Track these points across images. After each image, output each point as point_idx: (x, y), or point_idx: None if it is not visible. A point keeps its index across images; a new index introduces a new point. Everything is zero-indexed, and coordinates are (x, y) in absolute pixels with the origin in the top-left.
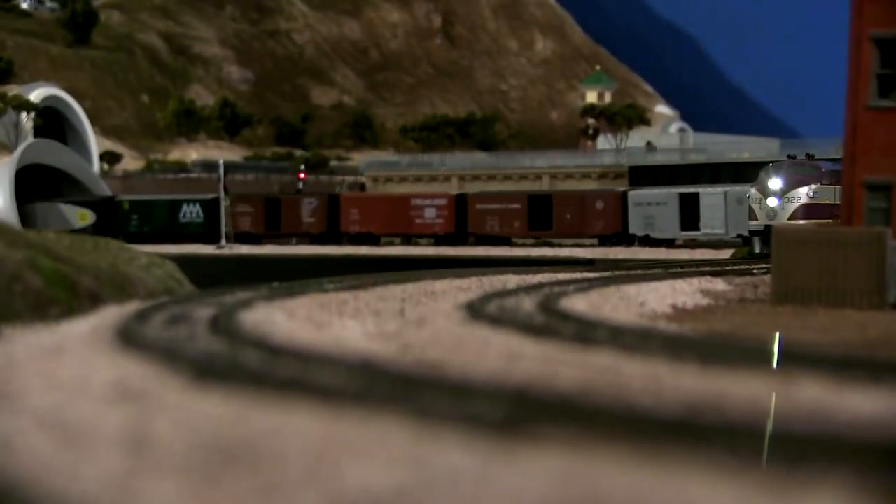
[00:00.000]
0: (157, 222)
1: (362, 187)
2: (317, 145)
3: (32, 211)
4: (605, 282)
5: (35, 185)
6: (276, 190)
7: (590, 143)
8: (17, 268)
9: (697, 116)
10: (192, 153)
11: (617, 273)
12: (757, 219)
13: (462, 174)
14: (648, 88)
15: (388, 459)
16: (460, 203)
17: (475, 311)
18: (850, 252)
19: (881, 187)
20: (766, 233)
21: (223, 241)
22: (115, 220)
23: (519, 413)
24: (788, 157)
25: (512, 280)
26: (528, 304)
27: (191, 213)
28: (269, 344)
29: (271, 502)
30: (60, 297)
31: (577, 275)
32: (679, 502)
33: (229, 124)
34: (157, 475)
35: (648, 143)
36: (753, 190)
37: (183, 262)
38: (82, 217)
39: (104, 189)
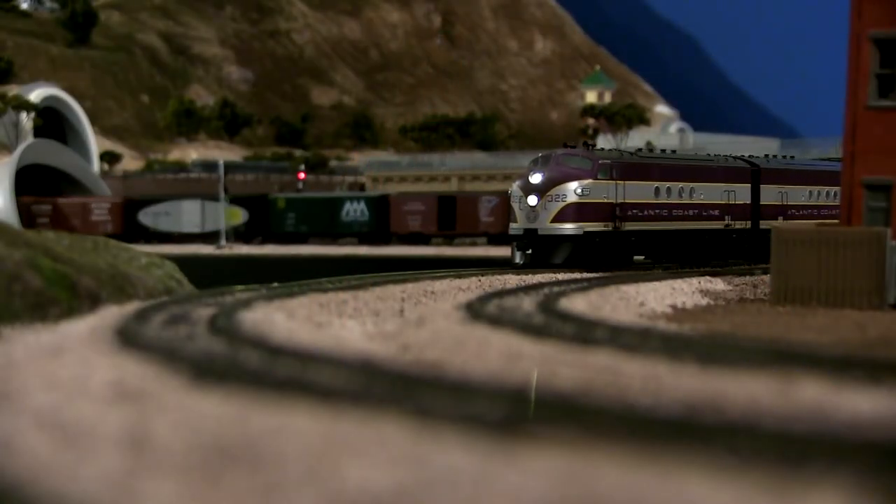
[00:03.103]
0: (317, 221)
1: (362, 187)
2: (317, 145)
3: (178, 209)
4: (605, 282)
5: (35, 185)
6: (276, 190)
7: (590, 143)
8: (17, 268)
9: (697, 116)
10: (191, 153)
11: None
12: (517, 221)
13: (462, 174)
14: (648, 88)
15: (388, 459)
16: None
17: (475, 311)
18: (850, 252)
19: (881, 187)
20: (527, 239)
21: (223, 241)
22: (268, 218)
23: (518, 413)
24: (565, 145)
25: (512, 280)
26: (528, 303)
27: (355, 211)
28: (269, 344)
29: (271, 502)
30: (60, 297)
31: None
32: (678, 502)
33: (229, 124)
34: (157, 475)
35: (648, 144)
36: (515, 186)
37: (182, 262)
38: (233, 216)
39: (104, 189)
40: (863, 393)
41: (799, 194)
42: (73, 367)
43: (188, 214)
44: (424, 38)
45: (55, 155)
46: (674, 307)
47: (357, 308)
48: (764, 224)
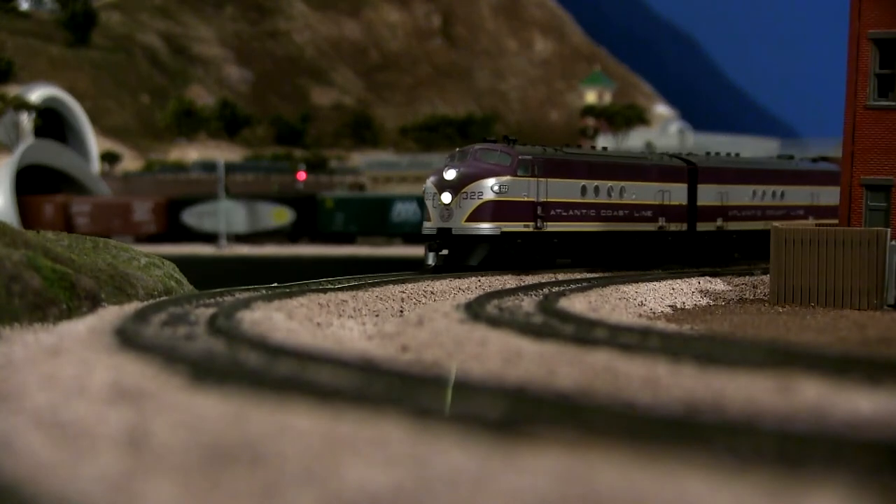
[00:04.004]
0: (367, 221)
1: (361, 188)
2: (316, 145)
3: (224, 208)
4: (604, 282)
5: (35, 185)
6: (276, 190)
7: (590, 143)
8: (16, 268)
9: (697, 116)
10: (191, 153)
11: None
12: (430, 220)
13: None
14: (648, 88)
15: (387, 459)
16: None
17: (474, 311)
18: (850, 252)
19: (880, 187)
20: (441, 239)
21: (223, 241)
22: (316, 218)
23: (517, 412)
24: (484, 139)
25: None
26: (527, 303)
27: (406, 211)
28: (268, 344)
29: (270, 502)
30: (59, 297)
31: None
32: (678, 502)
33: (229, 124)
34: (156, 475)
35: (648, 144)
36: (429, 182)
37: (182, 262)
38: (279, 216)
39: (104, 189)
40: (862, 393)
41: (742, 194)
42: (72, 367)
43: (234, 214)
44: (424, 39)
45: (55, 155)
46: (673, 307)
47: (357, 308)
48: (702, 226)
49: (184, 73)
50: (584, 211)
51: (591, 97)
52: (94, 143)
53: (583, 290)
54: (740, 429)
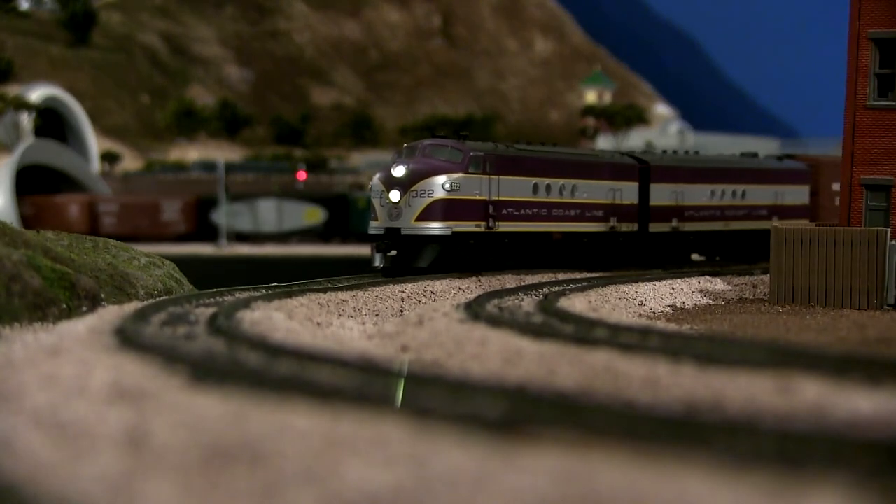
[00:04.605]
0: None
1: (361, 188)
2: (316, 145)
3: (254, 208)
4: (604, 282)
5: (35, 185)
6: (276, 190)
7: (590, 143)
8: (16, 267)
9: (697, 116)
10: (192, 153)
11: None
12: (377, 219)
13: None
14: (648, 88)
15: (387, 459)
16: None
17: (474, 311)
18: (850, 252)
19: (881, 187)
20: (388, 239)
21: (223, 241)
22: (348, 218)
23: (517, 412)
24: (433, 135)
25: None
26: (527, 303)
27: None
28: (268, 343)
29: (270, 502)
30: (59, 296)
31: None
32: (678, 502)
33: (229, 124)
34: (156, 475)
35: (648, 144)
36: (376, 179)
37: (182, 262)
38: (310, 215)
39: (105, 190)
40: (862, 393)
41: (699, 194)
42: (72, 366)
43: (265, 213)
44: (424, 38)
45: (55, 155)
46: (673, 307)
47: (357, 308)
48: (655, 227)
49: (184, 73)
50: (535, 210)
51: (591, 97)
52: (94, 143)
53: (583, 289)
54: (740, 429)
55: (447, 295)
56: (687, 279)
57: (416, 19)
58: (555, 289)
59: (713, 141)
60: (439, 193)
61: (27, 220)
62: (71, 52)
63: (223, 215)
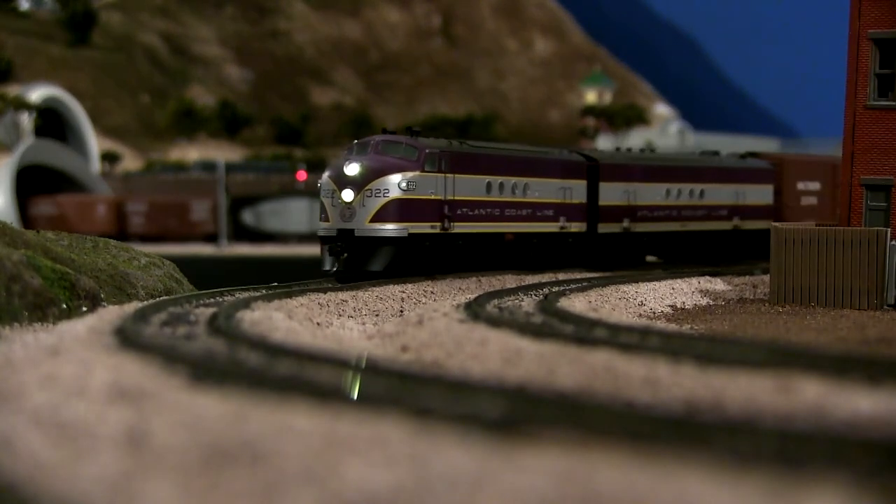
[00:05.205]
0: None
1: None
2: (317, 145)
3: (286, 208)
4: (605, 282)
5: (35, 185)
6: (276, 190)
7: (590, 143)
8: (16, 267)
9: (697, 116)
10: (192, 153)
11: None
12: (328, 220)
13: None
14: (648, 88)
15: (387, 459)
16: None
17: (474, 311)
18: (850, 252)
19: (881, 187)
20: (341, 241)
21: (223, 241)
22: None
23: (517, 412)
24: (383, 131)
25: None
26: (527, 303)
27: None
28: (268, 343)
29: (270, 502)
30: (59, 296)
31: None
32: (678, 502)
33: (229, 124)
34: (156, 475)
35: (648, 143)
36: (326, 177)
37: (182, 262)
38: None
39: (104, 189)
40: (862, 393)
41: (653, 193)
42: (72, 366)
43: (296, 213)
44: (424, 38)
45: (55, 155)
46: (673, 307)
47: (357, 308)
48: (604, 228)
49: (184, 72)
50: (489, 210)
51: (591, 97)
52: (95, 143)
53: (583, 289)
54: (740, 429)
55: (447, 295)
56: (687, 279)
57: (416, 19)
58: (555, 289)
59: (713, 141)
60: (395, 193)
61: (52, 221)
62: (71, 52)
63: (252, 215)
